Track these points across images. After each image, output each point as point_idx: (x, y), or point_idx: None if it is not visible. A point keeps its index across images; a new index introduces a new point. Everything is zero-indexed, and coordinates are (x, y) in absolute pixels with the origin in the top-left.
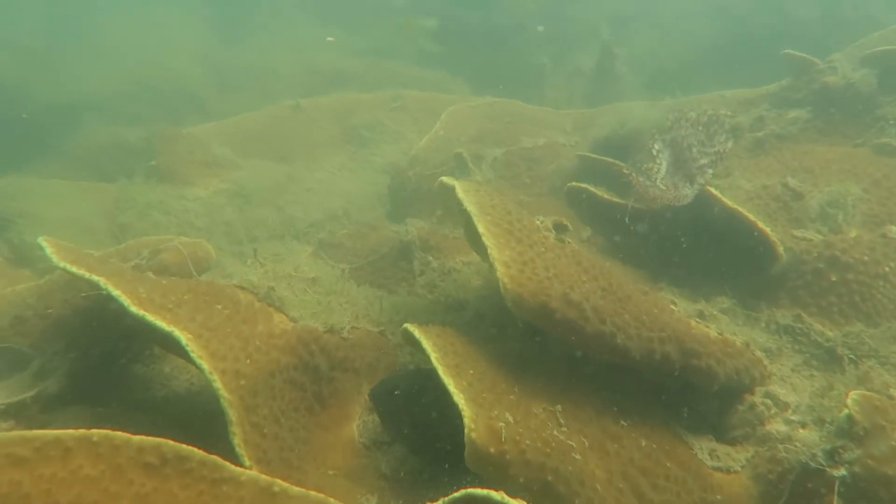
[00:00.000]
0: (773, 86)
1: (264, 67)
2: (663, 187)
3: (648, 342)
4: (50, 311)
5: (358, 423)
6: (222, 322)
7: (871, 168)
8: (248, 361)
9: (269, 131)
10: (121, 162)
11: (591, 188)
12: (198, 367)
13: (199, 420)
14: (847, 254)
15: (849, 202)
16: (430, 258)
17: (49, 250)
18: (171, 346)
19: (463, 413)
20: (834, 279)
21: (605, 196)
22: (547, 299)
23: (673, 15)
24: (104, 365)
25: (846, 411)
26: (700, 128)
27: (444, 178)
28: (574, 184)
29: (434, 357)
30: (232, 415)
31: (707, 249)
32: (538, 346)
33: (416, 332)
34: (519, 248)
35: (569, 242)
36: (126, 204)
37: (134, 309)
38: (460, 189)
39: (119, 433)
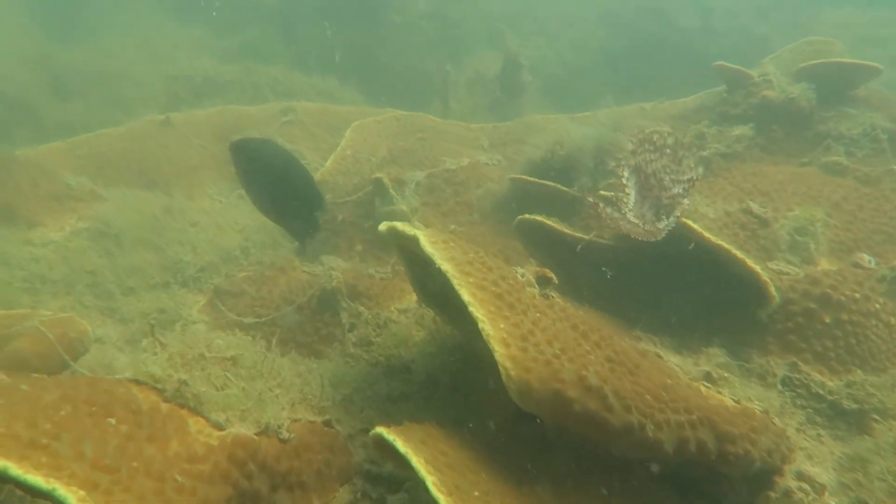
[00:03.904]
0: (690, 98)
1: (112, 71)
2: (635, 220)
3: (679, 430)
4: None
5: None
6: (121, 448)
7: (827, 190)
8: None
9: (133, 152)
10: None
11: (548, 221)
12: None
13: None
14: (838, 291)
15: (817, 229)
16: (361, 308)
17: None
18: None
19: None
20: (828, 320)
21: (567, 230)
22: (561, 387)
23: (560, 21)
24: None
25: None
26: (667, 151)
27: (398, 225)
28: (526, 216)
29: (431, 482)
30: None
31: (681, 289)
32: (527, 429)
33: (399, 443)
34: (514, 318)
35: (553, 298)
36: None
37: None
38: (426, 241)
39: None
